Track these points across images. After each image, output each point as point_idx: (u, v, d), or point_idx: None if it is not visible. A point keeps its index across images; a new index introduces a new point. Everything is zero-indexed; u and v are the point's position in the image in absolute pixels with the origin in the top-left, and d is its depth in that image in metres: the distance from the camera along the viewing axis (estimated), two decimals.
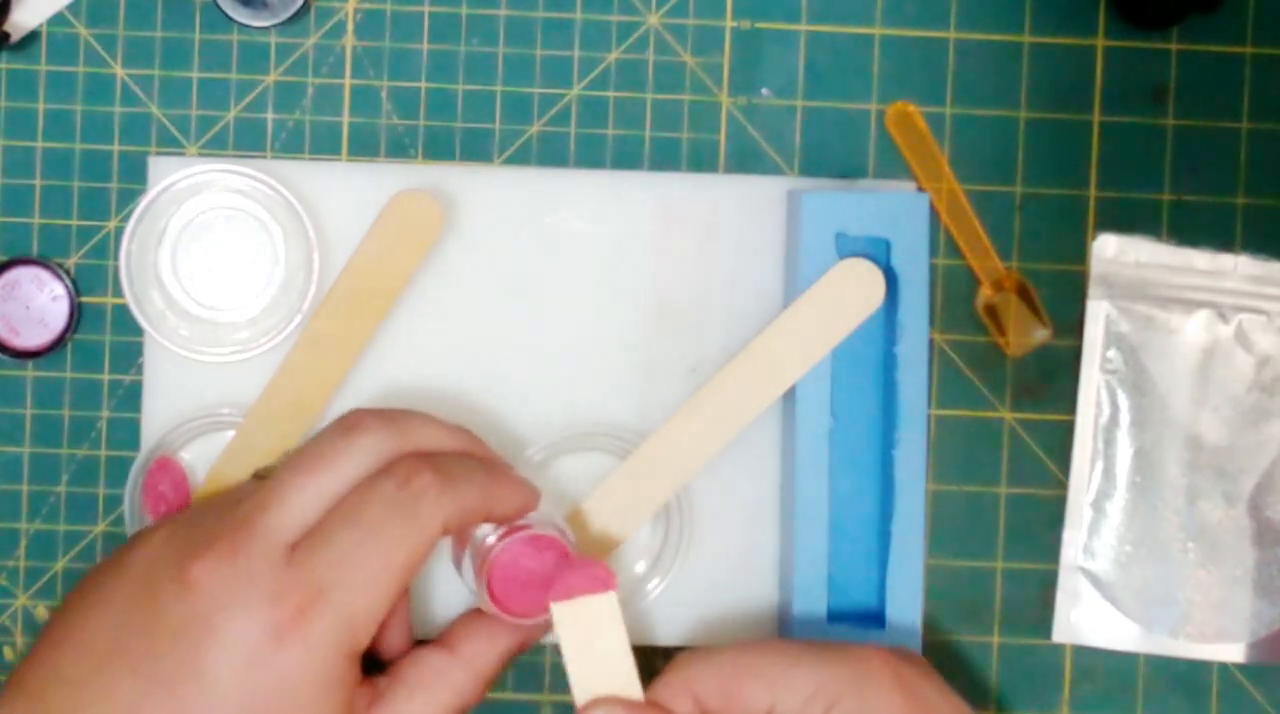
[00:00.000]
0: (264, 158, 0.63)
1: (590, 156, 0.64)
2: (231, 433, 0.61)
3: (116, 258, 0.61)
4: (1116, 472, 0.64)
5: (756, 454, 0.63)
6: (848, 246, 0.61)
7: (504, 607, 0.56)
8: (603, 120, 0.64)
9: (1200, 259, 0.64)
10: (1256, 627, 0.64)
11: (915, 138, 0.64)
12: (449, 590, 0.62)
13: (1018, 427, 0.65)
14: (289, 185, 0.61)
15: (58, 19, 0.63)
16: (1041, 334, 0.64)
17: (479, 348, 0.63)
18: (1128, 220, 0.65)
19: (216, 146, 0.63)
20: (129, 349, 0.63)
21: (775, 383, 0.61)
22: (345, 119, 0.64)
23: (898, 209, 0.61)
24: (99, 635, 0.52)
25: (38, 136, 0.63)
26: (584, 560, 0.56)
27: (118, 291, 0.62)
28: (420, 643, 0.57)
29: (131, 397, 0.63)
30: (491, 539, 0.56)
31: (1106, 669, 0.65)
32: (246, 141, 0.63)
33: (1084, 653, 0.65)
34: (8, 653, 0.63)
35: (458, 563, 0.59)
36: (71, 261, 0.63)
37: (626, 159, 0.64)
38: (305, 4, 0.63)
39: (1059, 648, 0.65)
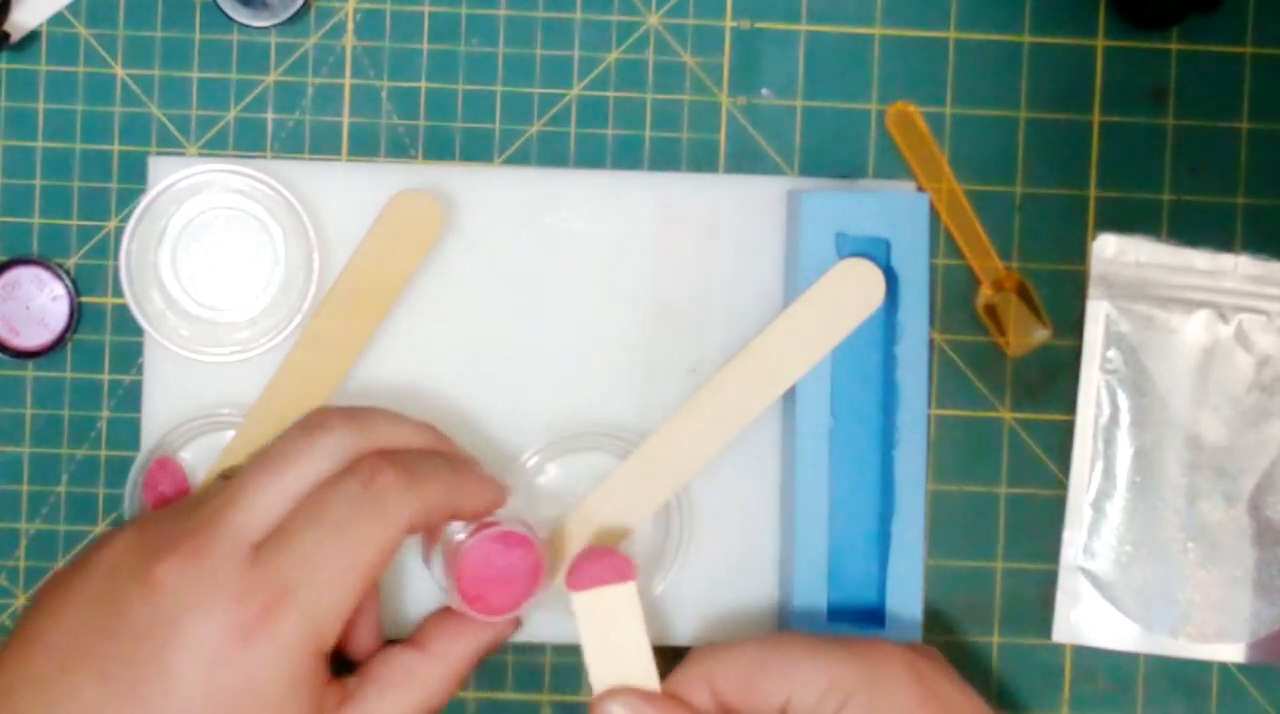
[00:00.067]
0: (264, 158, 0.63)
1: (590, 156, 0.64)
2: (231, 433, 0.61)
3: (116, 258, 0.61)
4: (1116, 472, 0.64)
5: (756, 454, 0.63)
6: (848, 246, 0.61)
7: (475, 604, 0.56)
8: (603, 120, 0.64)
9: (1200, 259, 0.64)
10: (1256, 627, 0.64)
11: (915, 138, 0.64)
12: (419, 589, 0.62)
13: (1018, 427, 0.65)
14: (289, 185, 0.61)
15: (58, 19, 0.63)
16: (1041, 334, 0.64)
17: (479, 348, 0.63)
18: (1128, 220, 0.65)
19: (216, 146, 0.63)
20: (129, 349, 0.63)
21: (775, 383, 0.61)
22: (345, 119, 0.64)
23: (897, 209, 0.61)
24: (68, 636, 0.52)
25: (38, 136, 0.63)
26: (603, 550, 0.56)
27: (118, 291, 0.62)
28: (391, 643, 0.57)
29: (131, 397, 0.63)
30: (461, 536, 0.56)
31: (1106, 669, 0.65)
32: (246, 141, 0.63)
33: (1084, 653, 0.65)
34: None
35: (428, 561, 0.59)
36: (71, 261, 0.63)
37: (626, 159, 0.64)
38: (305, 4, 0.63)
39: (1059, 648, 0.65)
